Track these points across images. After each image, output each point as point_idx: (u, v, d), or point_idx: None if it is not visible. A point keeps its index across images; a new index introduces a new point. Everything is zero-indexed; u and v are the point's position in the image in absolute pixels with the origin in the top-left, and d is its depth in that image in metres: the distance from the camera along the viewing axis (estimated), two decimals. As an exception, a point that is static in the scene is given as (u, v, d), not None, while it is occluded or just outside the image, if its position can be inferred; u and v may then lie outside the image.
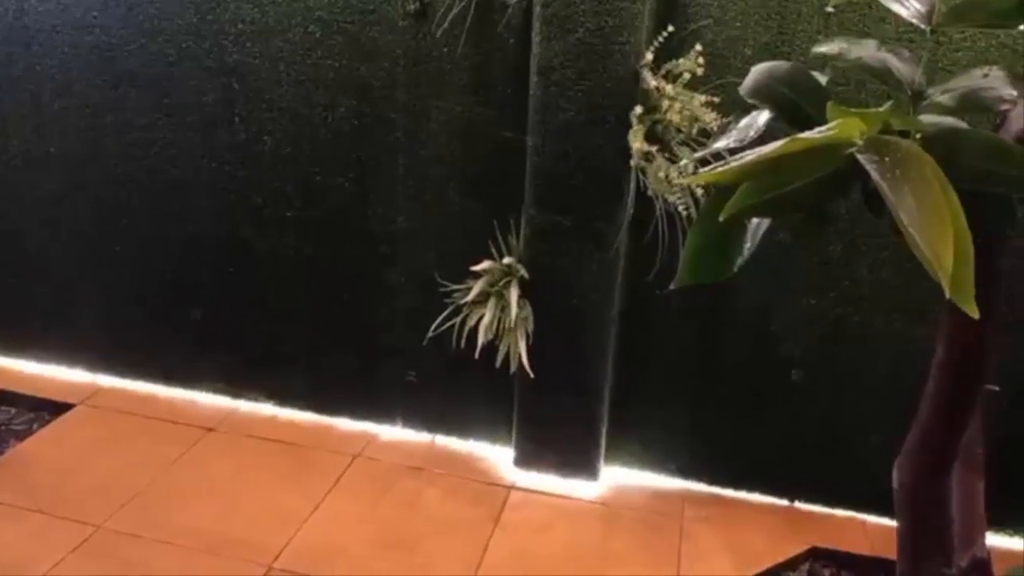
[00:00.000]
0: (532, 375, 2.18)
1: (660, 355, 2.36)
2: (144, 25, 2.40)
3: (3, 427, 2.62)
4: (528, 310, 2.20)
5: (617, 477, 2.48)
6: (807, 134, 0.92)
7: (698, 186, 1.88)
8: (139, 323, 2.79)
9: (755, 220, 1.15)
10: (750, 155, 0.98)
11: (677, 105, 1.90)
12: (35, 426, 2.64)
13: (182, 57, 2.40)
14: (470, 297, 2.20)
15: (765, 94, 1.23)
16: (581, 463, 2.42)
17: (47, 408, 2.72)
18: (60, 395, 2.77)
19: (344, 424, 2.71)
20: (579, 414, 2.36)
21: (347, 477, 2.44)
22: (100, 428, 2.63)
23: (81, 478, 2.37)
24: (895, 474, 1.30)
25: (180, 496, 2.32)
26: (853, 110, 0.90)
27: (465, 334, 2.25)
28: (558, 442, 2.41)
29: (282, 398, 2.74)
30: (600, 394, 2.34)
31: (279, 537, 2.17)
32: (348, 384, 2.67)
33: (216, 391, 2.79)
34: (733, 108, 1.95)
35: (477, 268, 2.21)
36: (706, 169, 0.99)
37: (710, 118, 1.88)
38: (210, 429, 2.64)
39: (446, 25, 2.11)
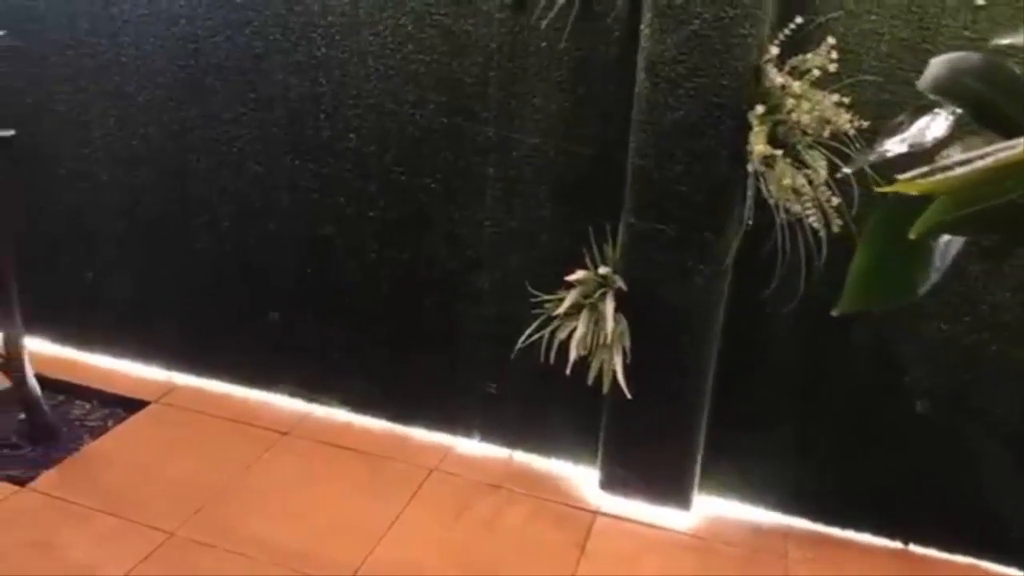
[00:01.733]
0: (629, 395, 2.01)
1: (766, 378, 2.17)
2: (231, 16, 2.33)
3: (78, 423, 2.60)
4: (624, 325, 2.04)
5: (712, 508, 2.30)
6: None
7: (832, 196, 1.69)
8: (216, 321, 2.73)
9: (945, 237, 0.98)
10: (961, 164, 0.81)
11: (806, 105, 1.71)
12: (109, 423, 2.61)
13: (269, 50, 2.33)
14: (562, 309, 2.05)
15: (951, 90, 1.05)
16: (673, 490, 2.24)
17: (121, 405, 2.69)
18: (135, 392, 2.74)
19: (420, 434, 2.59)
20: (673, 438, 2.19)
21: (424, 491, 2.33)
22: (174, 427, 2.58)
23: (154, 480, 2.31)
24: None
25: (254, 503, 2.24)
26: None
27: (555, 347, 2.10)
28: (649, 466, 2.24)
29: (357, 404, 2.65)
30: (698, 418, 2.16)
31: (355, 553, 2.06)
32: (425, 393, 2.56)
33: (291, 394, 2.72)
34: (867, 109, 1.79)
35: (571, 278, 2.06)
36: (907, 176, 0.82)
37: (844, 120, 1.69)
38: (284, 433, 2.56)
39: (551, 16, 1.97)
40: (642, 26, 1.88)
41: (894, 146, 1.07)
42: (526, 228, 2.26)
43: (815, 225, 1.73)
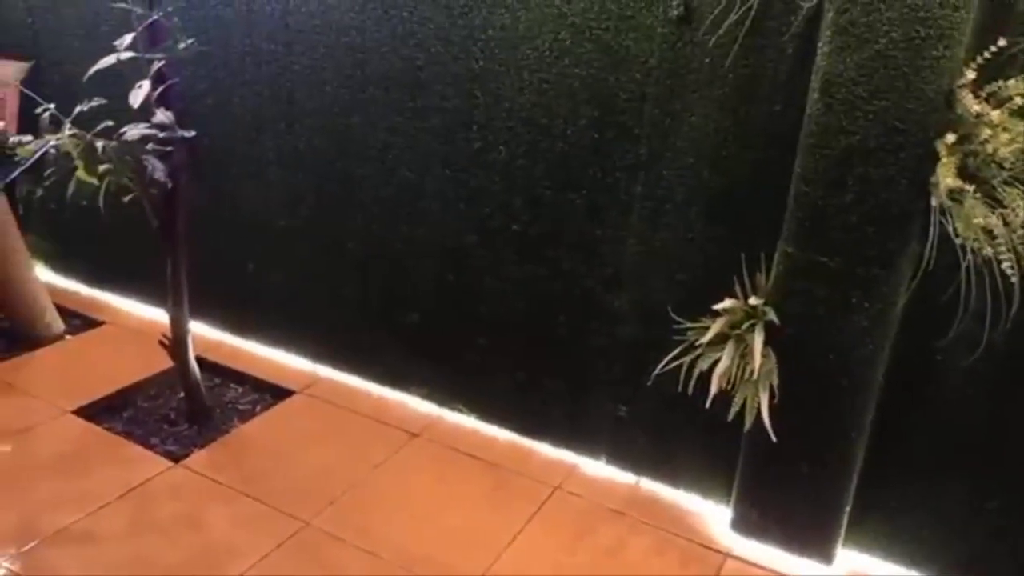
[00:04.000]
0: (773, 438, 1.88)
1: (931, 431, 1.97)
2: (397, 29, 2.41)
3: (230, 406, 2.77)
4: (773, 361, 1.91)
5: (856, 564, 2.12)
6: None
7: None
8: (359, 319, 2.84)
9: None
10: None
11: (1004, 136, 1.53)
12: (258, 408, 2.76)
13: (430, 62, 2.38)
14: (706, 338, 1.95)
15: None
16: (814, 542, 2.08)
17: (270, 392, 2.85)
18: (282, 380, 2.89)
19: (545, 450, 2.57)
20: (819, 486, 2.03)
21: (546, 509, 2.30)
22: (315, 419, 2.70)
23: (293, 468, 2.42)
24: None
25: (383, 502, 2.29)
26: None
27: (694, 377, 2.00)
28: (788, 513, 2.10)
29: (486, 413, 2.66)
30: (849, 468, 1.99)
31: (476, 564, 2.06)
32: (554, 409, 2.53)
33: (424, 396, 2.77)
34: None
35: (718, 307, 1.96)
36: None
37: (1051, 154, 1.50)
38: (415, 435, 2.62)
39: (720, 32, 1.88)
40: (820, 44, 1.76)
41: None
42: (672, 250, 2.18)
43: (1008, 271, 1.54)
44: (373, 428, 2.65)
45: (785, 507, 2.10)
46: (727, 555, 2.15)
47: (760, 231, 2.02)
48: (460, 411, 2.71)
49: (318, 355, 2.98)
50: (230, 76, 2.79)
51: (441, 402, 2.75)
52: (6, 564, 1.98)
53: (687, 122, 2.05)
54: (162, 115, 2.25)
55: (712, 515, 2.29)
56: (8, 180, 2.01)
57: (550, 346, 2.47)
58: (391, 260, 2.69)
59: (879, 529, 2.10)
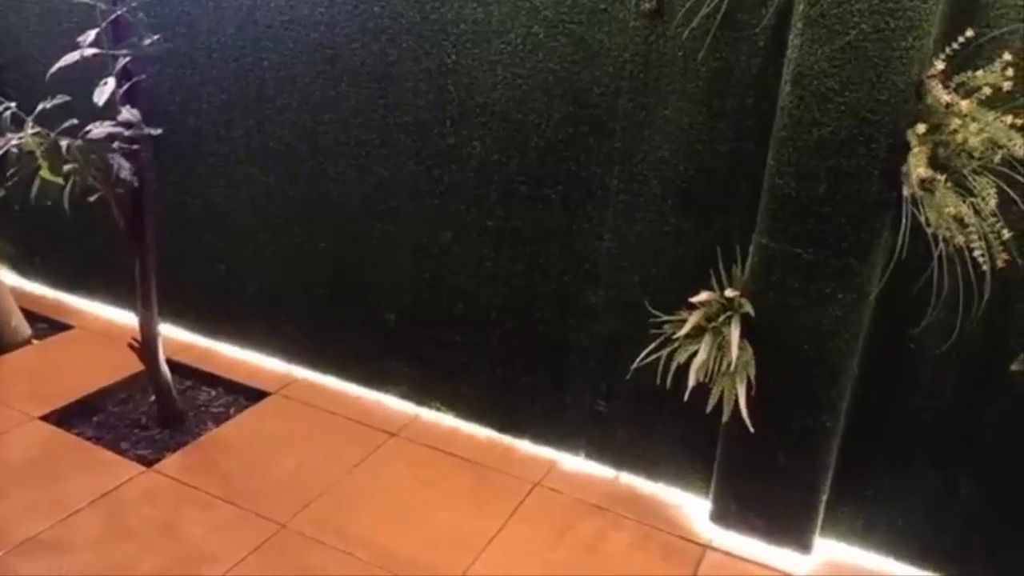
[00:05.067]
0: (751, 429, 1.89)
1: (906, 420, 1.99)
2: (368, 24, 2.38)
3: (203, 409, 2.73)
4: (750, 352, 1.92)
5: (833, 553, 2.14)
6: None
7: (1002, 228, 1.52)
8: (334, 319, 2.80)
9: None
10: None
11: (974, 126, 1.55)
12: (232, 411, 2.72)
13: (402, 57, 2.36)
14: (683, 331, 1.95)
15: None
16: (792, 531, 2.10)
17: (244, 394, 2.81)
18: (257, 382, 2.85)
19: (525, 446, 2.56)
20: (797, 476, 2.05)
21: (526, 506, 2.29)
22: (291, 420, 2.66)
23: (268, 471, 2.39)
24: None
25: (361, 502, 2.27)
26: None
27: (672, 370, 2.01)
28: (766, 503, 2.11)
29: (464, 411, 2.65)
30: (825, 457, 2.01)
31: (456, 563, 2.05)
32: (532, 405, 2.52)
33: (401, 395, 2.75)
34: (1047, 132, 1.59)
35: (694, 299, 1.97)
36: None
37: (1019, 143, 1.52)
38: (393, 434, 2.59)
39: (693, 25, 1.88)
40: (791, 36, 1.77)
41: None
42: (648, 244, 2.18)
43: (979, 258, 1.56)
44: (350, 428, 2.62)
45: (763, 498, 2.11)
46: (707, 547, 2.16)
47: (735, 223, 2.03)
48: (438, 409, 2.69)
49: (293, 356, 2.94)
50: (197, 73, 2.74)
51: (419, 401, 2.72)
52: (-28, 576, 1.93)
53: (661, 115, 2.06)
54: (128, 113, 2.21)
55: (692, 507, 2.30)
56: (-33, 181, 1.96)
57: (528, 342, 2.46)
58: (365, 258, 2.66)
59: (856, 518, 2.12)
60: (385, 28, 2.35)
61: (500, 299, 2.46)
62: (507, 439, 2.59)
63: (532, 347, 2.46)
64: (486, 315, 2.50)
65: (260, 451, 2.49)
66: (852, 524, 2.13)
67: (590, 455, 2.48)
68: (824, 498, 2.07)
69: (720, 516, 2.20)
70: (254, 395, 2.79)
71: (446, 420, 2.67)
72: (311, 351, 2.89)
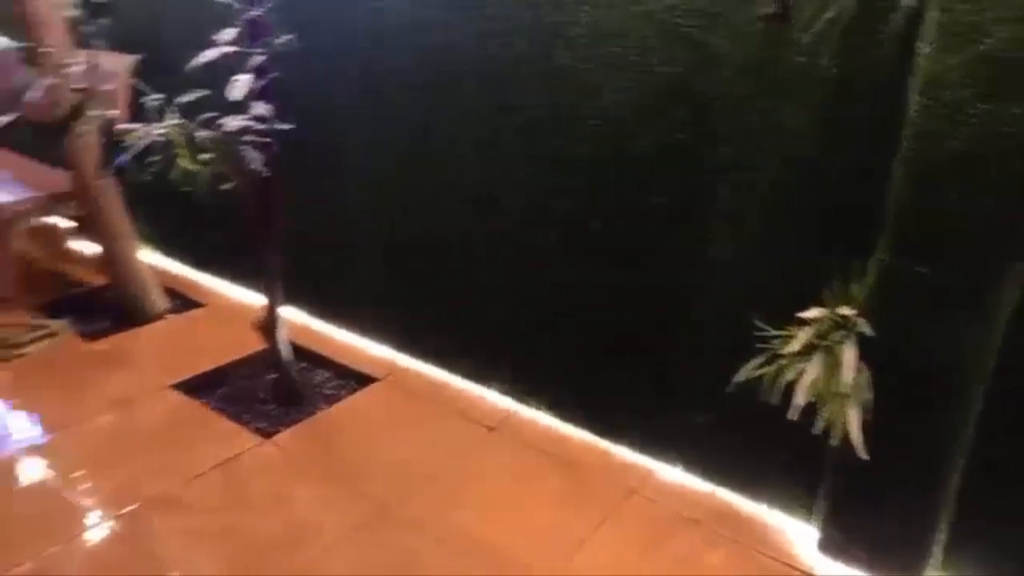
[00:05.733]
0: (863, 456, 1.80)
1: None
2: (482, 27, 2.42)
3: (317, 389, 2.88)
4: (866, 375, 1.83)
5: (947, 593, 2.01)
6: None
7: None
8: (439, 311, 2.89)
9: None
10: None
11: None
12: (342, 393, 2.86)
13: (515, 59, 2.38)
14: (793, 348, 1.88)
15: None
16: (903, 567, 1.98)
17: (354, 377, 2.94)
18: (366, 367, 2.98)
19: (621, 452, 2.55)
20: (911, 509, 1.93)
21: (620, 513, 2.28)
22: (396, 406, 2.77)
23: (374, 453, 2.50)
24: None
25: (458, 492, 2.33)
26: None
27: (778, 388, 1.94)
28: (876, 535, 2.00)
29: (563, 411, 2.66)
30: (944, 491, 1.88)
31: (548, 563, 2.07)
32: (631, 412, 2.50)
33: (502, 391, 2.80)
34: None
35: (806, 315, 1.89)
36: None
37: None
38: (491, 428, 2.65)
39: (815, 30, 1.80)
40: (920, 44, 1.66)
41: None
42: (758, 255, 2.11)
43: None
44: (451, 419, 2.69)
45: (873, 529, 2.00)
46: (808, 575, 2.08)
47: (854, 238, 1.93)
48: (537, 408, 2.72)
49: (400, 344, 3.05)
50: (323, 71, 2.87)
51: (519, 398, 2.76)
52: (108, 524, 2.14)
53: (777, 123, 1.98)
54: (261, 108, 2.34)
55: (792, 531, 2.22)
56: (118, 166, 2.14)
57: (629, 348, 2.45)
58: (471, 254, 2.72)
59: (977, 555, 1.98)
60: (499, 31, 2.39)
61: (603, 303, 2.45)
62: (604, 443, 2.58)
63: (633, 353, 2.44)
64: (588, 319, 2.50)
65: (367, 433, 2.60)
66: (973, 561, 1.99)
67: (688, 467, 2.44)
68: (941, 532, 1.95)
69: (826, 545, 2.11)
70: (363, 379, 2.92)
71: (544, 419, 2.70)
72: (417, 341, 2.99)
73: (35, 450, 2.44)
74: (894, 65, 1.77)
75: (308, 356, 3.05)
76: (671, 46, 2.09)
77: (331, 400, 2.80)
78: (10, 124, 3.33)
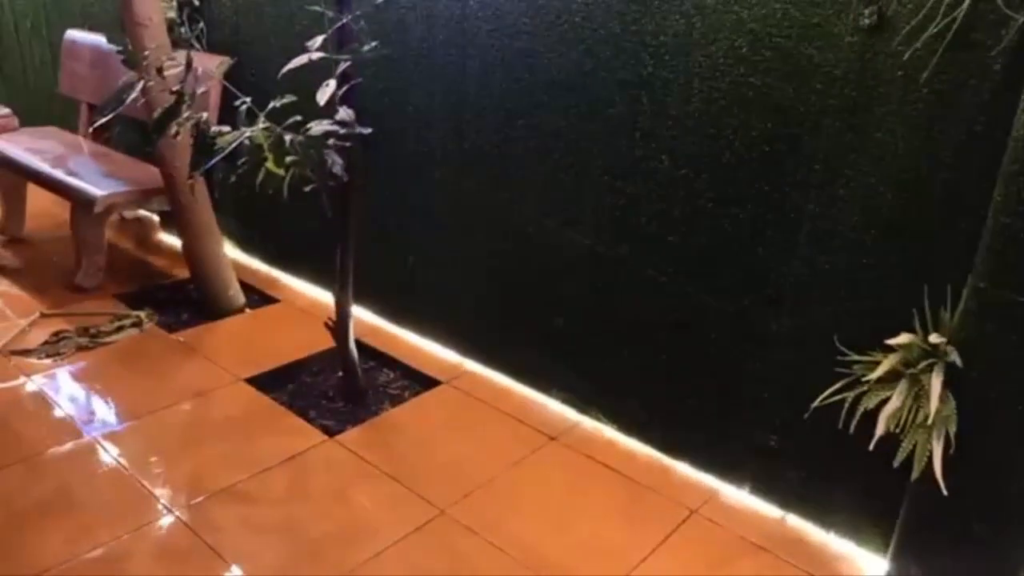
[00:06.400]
0: (945, 491, 1.70)
1: None
2: (567, 34, 2.41)
3: (382, 389, 2.91)
4: (952, 406, 1.73)
5: (1034, 646, 1.87)
6: None
7: None
8: (506, 318, 2.89)
9: None
10: None
11: None
12: (406, 394, 2.88)
13: (598, 67, 2.37)
14: (876, 374, 1.79)
15: None
16: (984, 612, 1.87)
17: (419, 380, 2.96)
18: (431, 370, 3.00)
19: (684, 470, 2.48)
20: (995, 550, 1.81)
21: (681, 533, 2.22)
22: (458, 410, 2.77)
23: (435, 456, 2.50)
24: None
25: (516, 500, 2.31)
26: None
27: (857, 414, 1.85)
28: (955, 574, 1.89)
29: (625, 425, 2.62)
30: (1034, 535, 1.77)
31: (603, 580, 2.03)
32: (697, 429, 2.44)
33: (564, 400, 2.77)
34: None
35: (892, 341, 1.80)
36: None
37: None
38: (552, 438, 2.62)
39: (918, 45, 1.73)
40: (1035, 59, 1.57)
41: None
42: (843, 275, 2.03)
43: None
44: (512, 426, 2.68)
45: (951, 567, 1.89)
46: (880, 612, 1.98)
47: (947, 262, 1.84)
48: (599, 419, 2.68)
49: (465, 349, 3.06)
50: (405, 77, 2.92)
51: (580, 408, 2.73)
52: (177, 513, 2.20)
53: (872, 139, 1.90)
54: (344, 113, 2.39)
55: (866, 564, 2.12)
56: (207, 166, 2.22)
57: (698, 364, 2.39)
58: (541, 262, 2.71)
59: (1067, 609, 1.85)
60: (584, 38, 2.38)
61: (673, 316, 2.40)
62: (666, 459, 2.53)
63: (702, 369, 2.38)
64: (657, 331, 2.45)
65: (428, 436, 2.62)
66: (1061, 616, 1.86)
67: (755, 490, 2.36)
68: (1028, 581, 1.83)
69: (899, 580, 2.01)
70: (427, 382, 2.94)
71: (606, 431, 2.66)
72: (482, 346, 2.99)
73: (113, 436, 2.54)
74: (1002, 82, 1.68)
75: (375, 356, 3.09)
76: (761, 56, 2.03)
77: (395, 401, 2.83)
78: (110, 122, 3.50)
